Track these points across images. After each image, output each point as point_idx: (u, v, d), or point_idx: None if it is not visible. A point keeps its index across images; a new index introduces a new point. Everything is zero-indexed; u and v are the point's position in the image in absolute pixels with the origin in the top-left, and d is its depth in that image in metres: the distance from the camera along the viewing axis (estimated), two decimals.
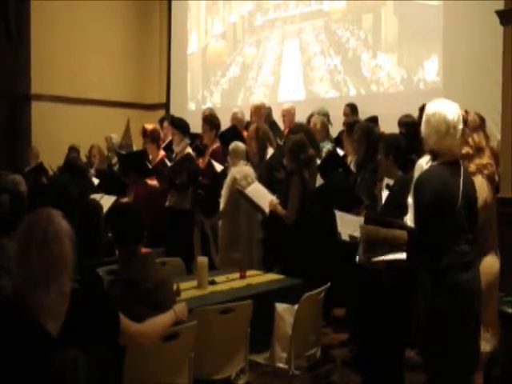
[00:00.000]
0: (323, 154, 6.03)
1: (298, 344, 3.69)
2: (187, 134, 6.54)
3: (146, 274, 3.09)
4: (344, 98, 7.71)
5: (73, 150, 8.40)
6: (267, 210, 5.20)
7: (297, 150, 5.15)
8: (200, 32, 10.52)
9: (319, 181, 5.50)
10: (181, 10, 10.81)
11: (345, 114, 7.01)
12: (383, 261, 3.00)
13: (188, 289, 3.92)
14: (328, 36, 8.46)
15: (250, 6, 9.65)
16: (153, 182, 6.33)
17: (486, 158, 3.56)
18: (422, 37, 7.35)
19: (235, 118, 7.16)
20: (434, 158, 2.98)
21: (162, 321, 2.88)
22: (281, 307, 3.75)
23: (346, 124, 6.02)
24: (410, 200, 3.13)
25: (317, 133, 6.31)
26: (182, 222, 6.19)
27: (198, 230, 6.31)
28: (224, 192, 5.51)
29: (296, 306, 3.69)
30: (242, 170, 5.48)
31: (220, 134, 6.51)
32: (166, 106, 10.86)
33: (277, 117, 7.38)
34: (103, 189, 6.62)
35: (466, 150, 3.48)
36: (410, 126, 5.46)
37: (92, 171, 7.68)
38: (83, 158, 8.50)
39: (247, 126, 6.93)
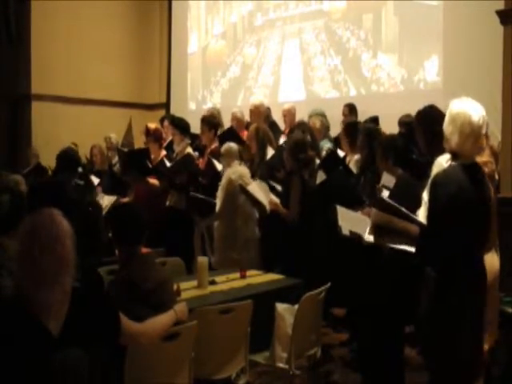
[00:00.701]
0: (323, 153, 6.03)
1: (298, 344, 3.69)
2: (187, 133, 6.54)
3: (147, 274, 3.10)
4: (344, 98, 7.71)
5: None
6: (268, 207, 5.21)
7: (297, 149, 5.15)
8: (200, 32, 10.53)
9: (319, 179, 5.50)
10: (181, 9, 10.81)
11: (343, 114, 7.02)
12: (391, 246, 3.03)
13: (188, 289, 3.92)
14: (328, 36, 8.46)
15: (251, 5, 9.66)
16: (154, 181, 6.33)
17: (485, 156, 3.56)
18: (423, 37, 7.35)
19: (235, 118, 7.16)
20: (453, 158, 2.95)
21: (162, 321, 2.88)
22: (281, 307, 3.75)
23: (344, 125, 6.03)
24: (424, 195, 3.11)
25: (316, 132, 6.32)
26: (182, 221, 6.19)
27: (198, 230, 6.31)
28: (220, 193, 5.48)
29: (296, 306, 3.69)
30: (237, 171, 5.46)
31: (218, 136, 6.51)
32: (167, 105, 10.87)
33: (277, 117, 7.38)
34: (104, 189, 6.64)
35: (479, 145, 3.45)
36: (410, 125, 5.46)
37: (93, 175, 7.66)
38: (82, 158, 8.50)
39: (247, 126, 6.94)
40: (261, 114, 7.06)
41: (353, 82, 8.10)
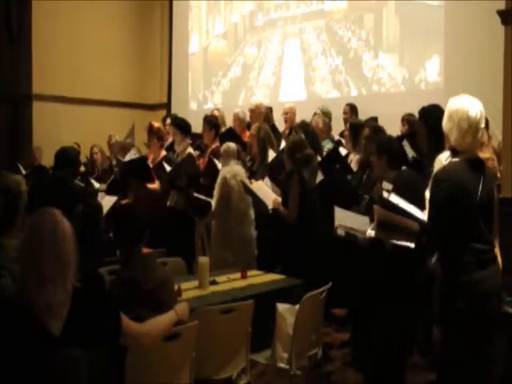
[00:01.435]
0: (324, 154, 6.03)
1: (299, 344, 3.69)
2: (188, 134, 6.55)
3: (148, 274, 3.10)
4: (345, 98, 7.71)
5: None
6: (270, 206, 5.20)
7: (294, 149, 5.16)
8: (201, 32, 10.53)
9: (319, 177, 5.50)
10: (182, 9, 10.81)
11: (344, 113, 7.03)
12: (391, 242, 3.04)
13: (189, 289, 3.92)
14: (329, 36, 8.46)
15: (251, 5, 9.66)
16: (154, 186, 6.32)
17: (488, 153, 3.56)
18: (424, 37, 7.35)
19: (237, 118, 7.17)
20: (453, 155, 2.96)
21: (163, 321, 2.88)
22: (282, 307, 3.75)
23: (349, 124, 6.04)
24: (427, 193, 3.12)
25: (319, 132, 6.32)
26: (183, 222, 6.19)
27: (199, 231, 6.30)
28: (215, 192, 5.50)
29: (297, 306, 3.68)
30: (231, 170, 5.47)
31: (219, 137, 6.51)
32: (168, 105, 10.87)
33: (278, 117, 7.37)
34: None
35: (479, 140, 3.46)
36: (413, 124, 5.51)
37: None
38: (82, 158, 8.50)
39: (249, 126, 6.94)
40: (261, 114, 7.06)
41: (354, 82, 8.10)
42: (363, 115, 6.78)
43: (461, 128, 2.87)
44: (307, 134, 5.83)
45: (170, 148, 6.91)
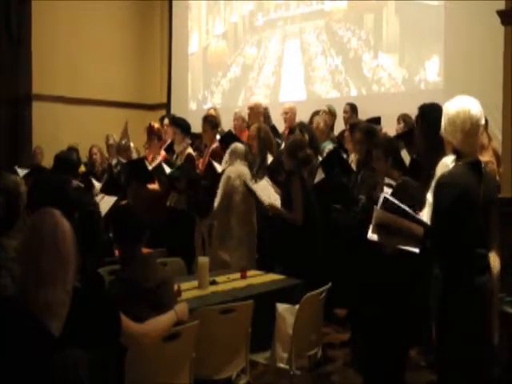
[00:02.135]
0: (324, 154, 6.03)
1: (298, 344, 3.69)
2: (189, 133, 6.55)
3: (147, 275, 3.09)
4: (345, 99, 7.71)
5: (72, 150, 8.37)
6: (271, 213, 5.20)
7: (295, 148, 5.15)
8: (201, 32, 10.53)
9: (318, 177, 5.50)
10: (181, 9, 10.81)
11: (345, 112, 7.03)
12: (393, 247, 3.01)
13: (189, 289, 3.92)
14: (329, 36, 8.46)
15: (251, 5, 9.66)
16: (154, 186, 6.32)
17: (487, 156, 3.56)
18: (424, 37, 7.35)
19: (239, 118, 7.19)
20: (458, 158, 2.95)
21: (162, 321, 2.88)
22: (282, 307, 3.75)
23: (349, 125, 6.04)
24: (429, 196, 3.11)
25: (320, 132, 6.31)
26: (183, 222, 6.19)
27: (199, 231, 6.31)
28: (219, 191, 5.49)
29: (297, 306, 3.68)
30: (236, 170, 5.47)
31: (219, 139, 6.51)
32: (167, 106, 10.87)
33: (278, 117, 7.36)
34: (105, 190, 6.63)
35: (481, 139, 3.45)
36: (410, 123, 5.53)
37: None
38: (83, 158, 8.50)
39: (248, 126, 6.94)
40: (259, 113, 7.07)
41: (354, 82, 8.10)
42: (363, 115, 6.77)
43: (464, 129, 2.86)
44: (304, 135, 5.83)
45: (169, 149, 6.89)
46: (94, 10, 10.21)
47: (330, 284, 3.94)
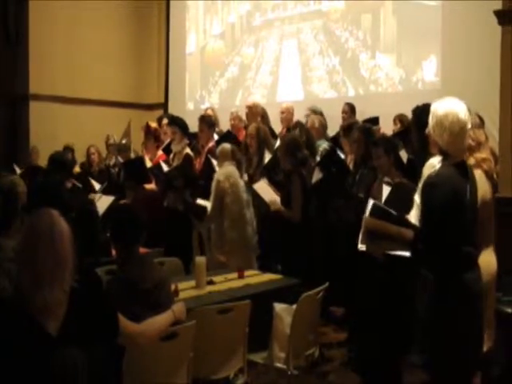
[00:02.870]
0: (319, 153, 6.03)
1: (296, 344, 3.69)
2: (187, 133, 6.55)
3: (145, 274, 3.09)
4: (343, 98, 7.71)
5: (67, 149, 8.36)
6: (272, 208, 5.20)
7: (294, 148, 5.15)
8: (198, 32, 10.52)
9: (315, 177, 5.50)
10: (179, 10, 10.80)
11: (344, 112, 7.03)
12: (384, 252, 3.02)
13: (186, 289, 3.92)
14: (327, 36, 8.46)
15: (249, 5, 9.65)
16: (151, 186, 6.31)
17: (485, 153, 3.56)
18: (421, 37, 7.36)
19: (237, 117, 7.19)
20: (444, 158, 2.96)
21: (160, 321, 2.88)
22: (279, 307, 3.75)
23: (342, 127, 6.04)
24: (416, 197, 3.12)
25: (315, 132, 6.32)
26: (181, 222, 6.18)
27: (196, 231, 6.30)
28: (211, 196, 5.44)
29: (294, 306, 3.68)
30: (225, 171, 5.40)
31: (217, 141, 6.50)
32: (165, 105, 10.86)
33: (275, 117, 7.37)
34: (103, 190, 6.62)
35: (467, 141, 3.46)
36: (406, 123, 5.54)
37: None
38: (78, 158, 8.49)
39: (245, 126, 6.94)
40: (257, 113, 7.07)
41: (351, 82, 8.10)
42: (360, 115, 6.79)
43: (452, 131, 2.88)
44: (302, 134, 5.83)
45: (167, 149, 6.88)
46: (91, 10, 10.19)
47: (327, 284, 3.94)
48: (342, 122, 6.91)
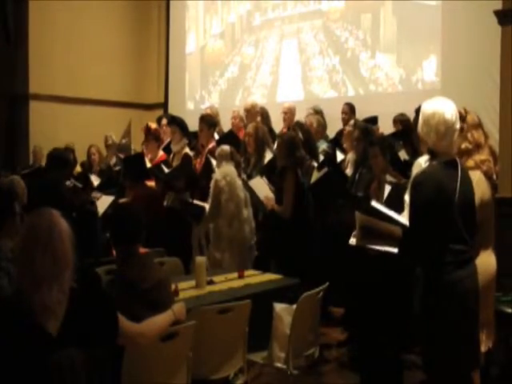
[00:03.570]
0: (319, 154, 6.04)
1: (296, 344, 3.69)
2: (186, 133, 6.55)
3: (145, 274, 3.09)
4: (342, 98, 7.71)
5: (68, 150, 8.36)
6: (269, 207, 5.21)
7: (293, 146, 5.16)
8: (198, 32, 10.52)
9: (314, 178, 5.50)
10: (179, 9, 10.80)
11: (344, 113, 7.03)
12: (374, 249, 3.05)
13: (186, 289, 3.92)
14: (326, 36, 8.46)
15: (249, 5, 9.65)
16: (151, 183, 6.31)
17: (484, 155, 3.56)
18: (421, 37, 7.36)
19: (237, 116, 7.19)
20: (432, 158, 2.99)
21: (160, 321, 2.88)
22: (279, 307, 3.75)
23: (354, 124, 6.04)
24: (406, 197, 3.14)
25: (313, 132, 6.32)
26: (181, 222, 6.18)
27: (196, 230, 6.29)
28: (209, 197, 5.45)
29: (294, 306, 3.68)
30: (222, 171, 5.42)
31: (218, 140, 6.50)
32: (165, 105, 10.86)
33: (275, 117, 7.37)
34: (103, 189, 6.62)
35: (465, 145, 3.48)
36: (406, 123, 5.53)
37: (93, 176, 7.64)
38: (79, 158, 8.49)
39: (245, 126, 6.94)
40: (257, 113, 7.08)
41: (351, 81, 8.10)
42: (360, 115, 6.78)
43: (438, 131, 2.92)
44: (302, 135, 5.83)
45: (167, 148, 6.89)
46: (91, 9, 10.20)
47: (327, 284, 3.94)
48: (342, 122, 6.92)
